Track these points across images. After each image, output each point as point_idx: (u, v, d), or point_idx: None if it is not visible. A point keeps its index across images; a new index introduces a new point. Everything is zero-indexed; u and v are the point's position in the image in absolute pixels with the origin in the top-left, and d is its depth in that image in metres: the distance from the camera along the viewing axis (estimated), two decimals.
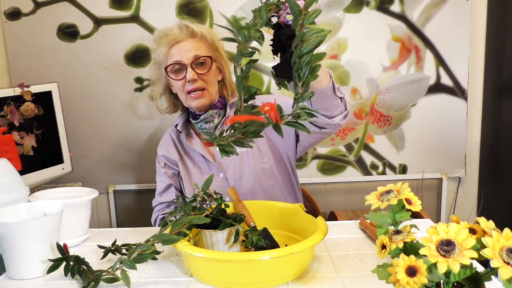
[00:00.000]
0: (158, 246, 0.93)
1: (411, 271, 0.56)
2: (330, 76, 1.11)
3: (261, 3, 0.77)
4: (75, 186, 1.85)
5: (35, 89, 1.58)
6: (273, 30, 0.82)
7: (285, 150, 1.40)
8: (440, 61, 1.94)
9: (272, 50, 0.84)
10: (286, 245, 1.02)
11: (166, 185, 1.45)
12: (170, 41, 1.35)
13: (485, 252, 0.54)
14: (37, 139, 1.56)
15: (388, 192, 0.67)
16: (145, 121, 1.98)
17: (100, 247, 1.00)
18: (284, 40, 0.79)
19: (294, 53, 0.67)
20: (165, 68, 1.36)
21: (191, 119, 1.44)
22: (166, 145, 1.47)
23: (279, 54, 0.84)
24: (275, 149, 1.40)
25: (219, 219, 0.97)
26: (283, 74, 0.81)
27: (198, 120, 1.40)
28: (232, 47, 2.03)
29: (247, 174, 1.36)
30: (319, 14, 0.65)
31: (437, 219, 2.11)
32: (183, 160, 1.43)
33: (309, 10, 0.71)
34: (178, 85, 1.36)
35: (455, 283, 0.58)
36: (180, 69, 1.34)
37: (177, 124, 1.46)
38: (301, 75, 0.64)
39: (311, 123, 1.20)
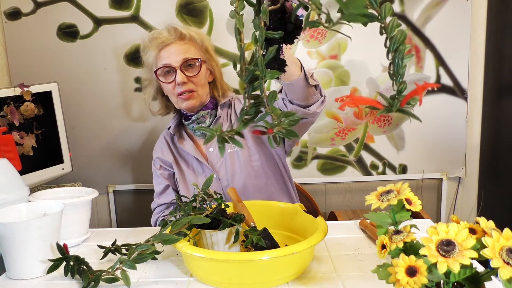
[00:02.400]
0: (158, 246, 0.93)
1: (411, 271, 0.56)
2: (302, 66, 1.10)
3: None
4: (75, 186, 1.85)
5: (35, 89, 1.58)
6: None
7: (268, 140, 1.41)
8: (440, 61, 1.93)
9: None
10: (286, 245, 1.02)
11: (163, 186, 1.45)
12: (159, 44, 1.36)
13: (485, 252, 0.54)
14: (37, 139, 1.55)
15: (388, 192, 0.67)
16: (145, 121, 1.98)
17: (100, 247, 1.00)
18: (291, 29, 0.74)
19: (390, 47, 0.64)
20: (155, 71, 1.36)
21: (183, 120, 1.45)
22: (161, 147, 1.48)
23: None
24: (265, 147, 1.40)
25: (219, 219, 0.97)
26: (271, 64, 0.77)
27: (190, 121, 1.41)
28: (231, 47, 2.01)
29: (238, 174, 1.37)
30: (392, 10, 0.64)
31: (437, 219, 2.10)
32: (178, 162, 1.44)
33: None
34: (169, 88, 1.37)
35: (455, 283, 0.58)
36: (170, 71, 1.35)
37: (170, 127, 1.47)
38: (397, 68, 0.63)
39: None
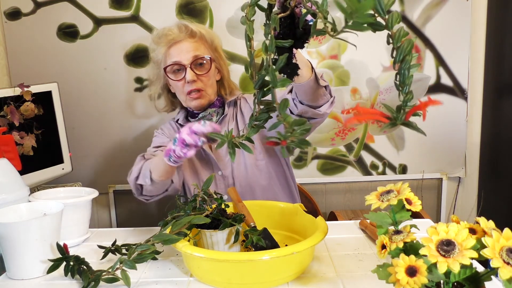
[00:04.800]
0: (158, 246, 0.93)
1: (411, 271, 0.56)
2: (312, 68, 1.10)
3: None
4: (75, 186, 1.85)
5: (35, 89, 1.58)
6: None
7: (278, 147, 1.40)
8: (440, 61, 1.93)
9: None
10: (286, 245, 1.02)
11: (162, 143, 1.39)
12: (169, 41, 1.34)
13: (485, 252, 0.54)
14: (37, 139, 1.55)
15: (388, 192, 0.67)
16: (145, 121, 1.98)
17: (100, 247, 1.00)
18: (301, 35, 0.74)
19: (396, 58, 0.64)
20: (164, 69, 1.36)
21: (189, 117, 1.44)
22: (169, 128, 1.45)
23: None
24: (269, 146, 1.40)
25: (219, 219, 0.97)
26: (283, 69, 0.77)
27: (197, 118, 1.40)
28: (232, 47, 2.00)
29: (243, 172, 1.37)
30: (400, 18, 0.64)
31: (437, 219, 2.10)
32: None
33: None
34: (178, 86, 1.36)
35: (455, 283, 0.59)
36: (179, 69, 1.34)
37: (177, 119, 1.46)
38: (403, 79, 0.62)
39: (300, 116, 1.20)
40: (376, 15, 0.59)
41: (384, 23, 0.60)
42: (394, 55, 0.62)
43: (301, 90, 1.13)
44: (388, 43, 0.62)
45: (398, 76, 0.62)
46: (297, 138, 0.66)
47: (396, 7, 1.89)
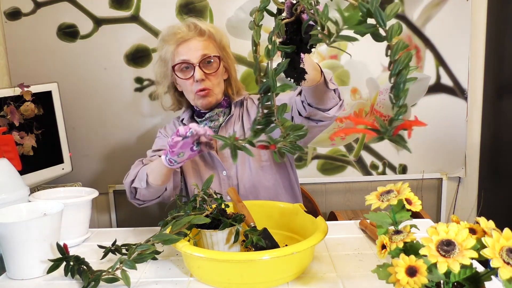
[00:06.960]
0: (158, 246, 0.93)
1: (411, 271, 0.56)
2: (321, 71, 1.10)
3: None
4: (75, 186, 1.85)
5: (35, 89, 1.58)
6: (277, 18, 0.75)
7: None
8: (440, 61, 1.93)
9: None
10: (286, 245, 1.02)
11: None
12: (178, 40, 1.34)
13: (485, 252, 0.54)
14: (37, 139, 1.56)
15: (388, 192, 0.67)
16: (145, 121, 1.98)
17: (100, 247, 1.00)
18: (307, 40, 0.74)
19: (392, 71, 0.63)
20: (173, 67, 1.35)
21: (195, 117, 1.43)
22: (172, 129, 1.46)
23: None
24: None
25: (219, 219, 0.97)
26: (290, 73, 0.77)
27: (203, 118, 1.39)
28: (231, 47, 2.01)
29: (247, 173, 1.37)
30: (401, 30, 0.63)
31: (437, 219, 2.10)
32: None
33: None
34: (186, 84, 1.36)
35: (455, 283, 0.59)
36: (188, 67, 1.34)
37: (182, 119, 1.45)
38: (397, 92, 0.62)
39: (308, 118, 1.20)
40: (377, 25, 0.59)
41: (384, 34, 0.60)
42: (390, 68, 0.61)
43: (310, 93, 1.13)
44: (387, 55, 0.62)
45: (393, 89, 0.62)
46: (288, 143, 0.67)
47: None
